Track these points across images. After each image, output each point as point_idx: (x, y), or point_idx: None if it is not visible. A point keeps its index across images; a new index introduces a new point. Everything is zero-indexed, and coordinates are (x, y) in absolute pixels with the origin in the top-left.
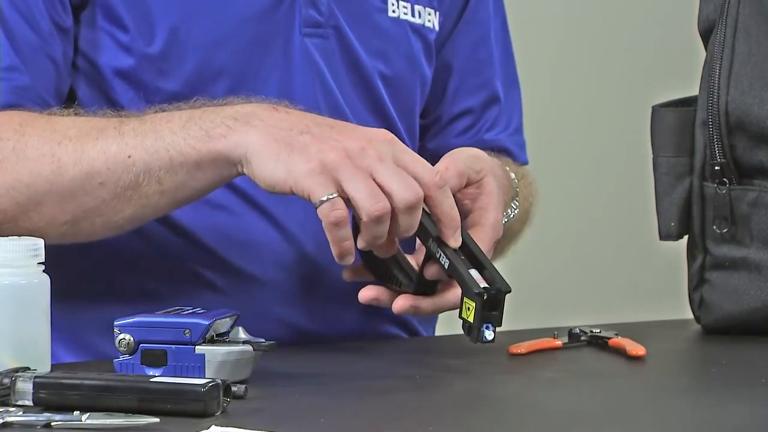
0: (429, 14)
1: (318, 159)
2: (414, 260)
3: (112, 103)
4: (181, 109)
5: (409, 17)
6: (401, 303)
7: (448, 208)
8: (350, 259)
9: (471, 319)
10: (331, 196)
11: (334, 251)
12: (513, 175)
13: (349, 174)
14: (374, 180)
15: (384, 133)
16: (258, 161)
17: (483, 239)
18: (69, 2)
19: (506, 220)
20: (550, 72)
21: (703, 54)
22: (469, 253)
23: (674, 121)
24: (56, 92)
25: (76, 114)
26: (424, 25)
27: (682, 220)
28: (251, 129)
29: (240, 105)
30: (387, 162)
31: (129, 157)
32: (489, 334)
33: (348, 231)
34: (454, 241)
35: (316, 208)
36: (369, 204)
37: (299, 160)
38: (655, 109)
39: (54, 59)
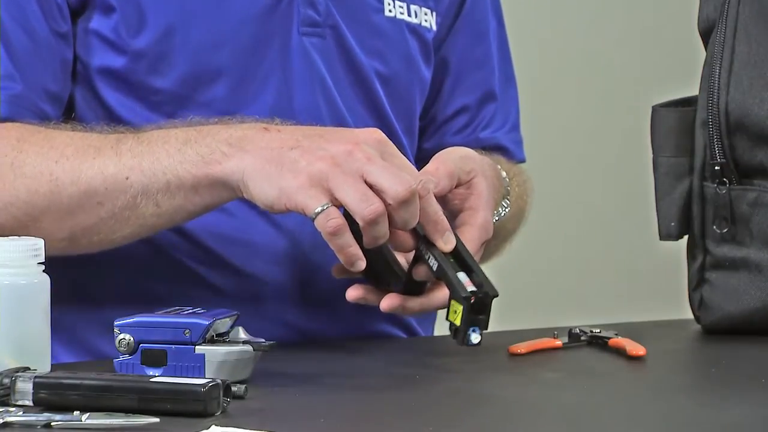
0: (425, 14)
1: (306, 172)
2: (403, 258)
3: (105, 107)
4: (177, 126)
5: (405, 17)
6: (389, 302)
7: (433, 215)
8: (361, 265)
9: (458, 322)
10: (324, 207)
11: (341, 259)
12: (504, 174)
13: (339, 181)
14: (366, 180)
15: (373, 132)
16: (253, 184)
17: (471, 239)
18: (67, 7)
19: (496, 219)
20: (550, 72)
21: (703, 54)
22: (457, 255)
23: (674, 121)
24: (54, 99)
25: (73, 129)
26: (420, 24)
27: (682, 220)
28: (245, 154)
29: (234, 128)
30: (375, 160)
31: (127, 178)
32: (475, 338)
33: (348, 237)
34: (445, 245)
35: (313, 221)
36: (361, 208)
37: (289, 177)
38: (655, 109)
39: (51, 66)
